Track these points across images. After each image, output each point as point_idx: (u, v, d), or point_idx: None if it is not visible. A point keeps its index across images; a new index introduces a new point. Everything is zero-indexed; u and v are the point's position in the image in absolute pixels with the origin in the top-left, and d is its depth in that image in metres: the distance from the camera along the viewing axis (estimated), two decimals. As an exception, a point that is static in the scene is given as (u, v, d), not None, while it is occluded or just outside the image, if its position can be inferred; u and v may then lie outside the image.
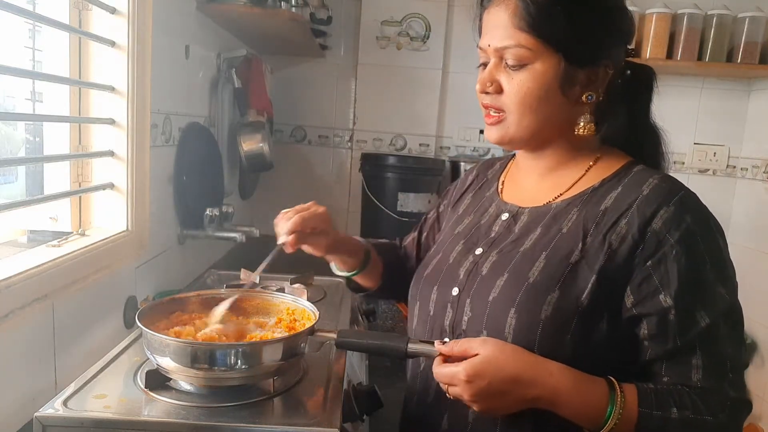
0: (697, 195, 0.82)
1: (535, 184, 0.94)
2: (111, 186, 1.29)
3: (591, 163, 0.89)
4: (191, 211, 1.69)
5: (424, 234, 1.15)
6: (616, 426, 0.75)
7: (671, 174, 0.86)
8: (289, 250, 0.97)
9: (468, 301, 0.87)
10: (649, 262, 0.78)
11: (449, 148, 2.77)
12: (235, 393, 0.93)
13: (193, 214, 1.70)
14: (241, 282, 1.53)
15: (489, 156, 2.74)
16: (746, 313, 0.82)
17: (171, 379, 0.94)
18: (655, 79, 0.91)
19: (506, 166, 1.05)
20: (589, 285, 0.79)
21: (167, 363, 0.90)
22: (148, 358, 0.96)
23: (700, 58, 2.45)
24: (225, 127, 2.01)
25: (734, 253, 0.82)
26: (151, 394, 0.93)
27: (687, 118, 2.67)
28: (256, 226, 1.89)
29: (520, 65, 0.83)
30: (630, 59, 0.91)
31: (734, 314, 0.80)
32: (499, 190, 1.00)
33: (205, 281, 1.72)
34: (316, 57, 2.67)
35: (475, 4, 0.90)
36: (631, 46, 0.91)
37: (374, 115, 2.71)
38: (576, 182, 0.89)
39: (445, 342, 0.82)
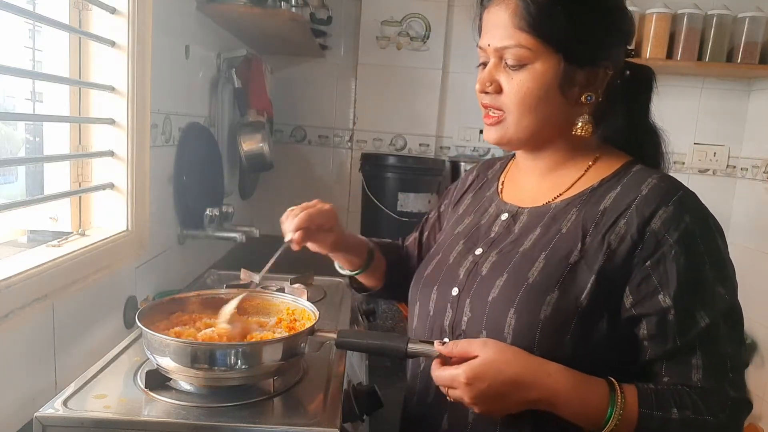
0: (697, 195, 0.82)
1: (534, 184, 0.94)
2: (111, 186, 1.29)
3: (590, 163, 0.89)
4: (191, 211, 1.69)
5: (425, 234, 1.15)
6: (617, 427, 0.75)
7: (671, 174, 0.86)
8: (295, 247, 0.96)
9: (468, 301, 0.87)
10: (648, 262, 0.78)
11: (449, 148, 2.77)
12: (235, 393, 0.93)
13: (193, 214, 1.70)
14: (242, 282, 1.53)
15: (489, 156, 2.74)
16: (746, 313, 0.82)
17: (171, 379, 0.94)
18: (654, 80, 0.91)
19: (506, 166, 1.05)
20: (588, 285, 0.79)
21: (167, 363, 0.90)
22: (148, 358, 0.96)
23: (700, 58, 2.45)
24: (225, 127, 2.01)
25: (734, 253, 0.82)
26: (151, 394, 0.93)
27: (687, 118, 2.67)
28: (256, 226, 1.89)
29: (519, 65, 0.83)
30: (629, 59, 0.91)
31: (734, 314, 0.80)
32: (499, 190, 1.00)
33: (205, 281, 1.72)
34: (316, 57, 2.67)
35: (475, 4, 0.90)
36: (631, 47, 0.90)
37: (374, 115, 2.71)
38: (575, 182, 0.89)
39: (445, 342, 0.82)
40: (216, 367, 0.89)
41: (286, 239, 0.96)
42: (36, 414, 0.85)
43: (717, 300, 0.78)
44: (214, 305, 1.07)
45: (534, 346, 0.79)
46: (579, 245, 0.82)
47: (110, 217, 1.30)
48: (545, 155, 0.91)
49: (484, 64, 0.88)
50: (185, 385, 0.94)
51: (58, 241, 1.15)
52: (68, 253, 1.08)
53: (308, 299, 1.14)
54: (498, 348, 0.78)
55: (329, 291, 1.62)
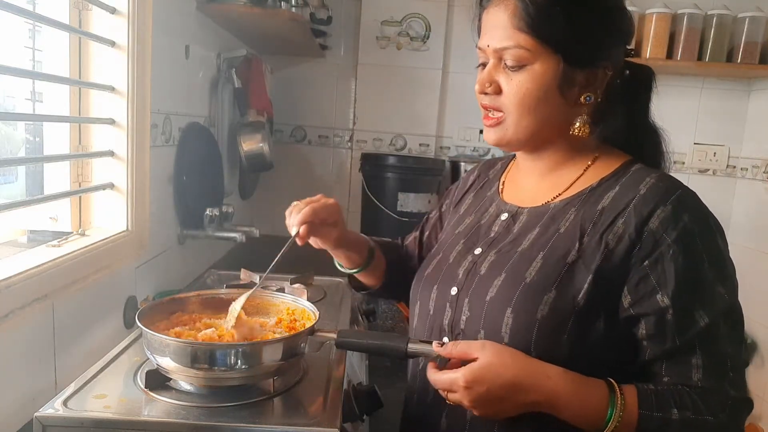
0: (697, 194, 0.82)
1: (535, 184, 0.94)
2: (111, 186, 1.29)
3: (589, 162, 0.89)
4: (191, 211, 1.69)
5: (426, 233, 1.15)
6: (617, 428, 0.75)
7: (671, 174, 0.86)
8: (300, 242, 0.96)
9: (466, 300, 0.87)
10: (646, 261, 0.78)
11: (449, 148, 2.77)
12: (235, 393, 0.93)
13: (193, 214, 1.70)
14: (242, 282, 1.53)
15: (489, 156, 2.74)
16: (746, 313, 0.82)
17: (171, 379, 0.94)
18: (654, 79, 0.91)
19: (507, 166, 1.05)
20: (586, 285, 0.79)
21: (167, 363, 0.90)
22: (148, 358, 0.96)
23: (700, 58, 2.45)
24: (225, 127, 2.01)
25: (734, 253, 0.81)
26: (151, 394, 0.93)
27: (687, 118, 2.67)
28: (256, 226, 1.89)
29: (519, 66, 0.83)
30: (629, 59, 0.91)
31: (734, 313, 0.80)
32: (500, 190, 1.00)
33: (205, 281, 1.72)
34: (316, 57, 2.68)
35: (474, 5, 0.90)
36: (631, 47, 0.90)
37: (374, 115, 2.71)
38: (574, 182, 0.89)
39: (444, 343, 0.82)
40: (216, 367, 0.89)
41: (292, 233, 0.95)
42: (36, 414, 0.85)
43: (716, 299, 0.78)
44: (214, 305, 1.07)
45: (531, 345, 0.79)
46: (577, 245, 0.82)
47: (110, 217, 1.30)
48: (545, 156, 0.91)
49: (484, 65, 0.88)
50: (185, 385, 0.94)
51: (58, 241, 1.15)
52: (68, 253, 1.08)
53: (308, 299, 1.14)
54: (497, 351, 0.78)
55: (329, 291, 1.62)
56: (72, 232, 1.24)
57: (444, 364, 0.81)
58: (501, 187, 1.01)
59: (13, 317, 0.91)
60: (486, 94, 0.87)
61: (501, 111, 0.86)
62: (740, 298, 0.81)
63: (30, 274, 0.95)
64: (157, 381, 0.94)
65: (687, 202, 0.80)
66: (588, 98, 0.85)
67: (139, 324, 0.91)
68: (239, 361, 0.90)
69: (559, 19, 0.81)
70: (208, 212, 1.70)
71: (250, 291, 1.02)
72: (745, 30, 2.41)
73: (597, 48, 0.84)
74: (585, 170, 0.89)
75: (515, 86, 0.84)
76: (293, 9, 1.92)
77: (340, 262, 1.11)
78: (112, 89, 1.26)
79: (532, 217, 0.90)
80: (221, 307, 1.05)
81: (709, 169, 2.70)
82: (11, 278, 0.91)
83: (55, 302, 1.06)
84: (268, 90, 2.32)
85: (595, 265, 0.79)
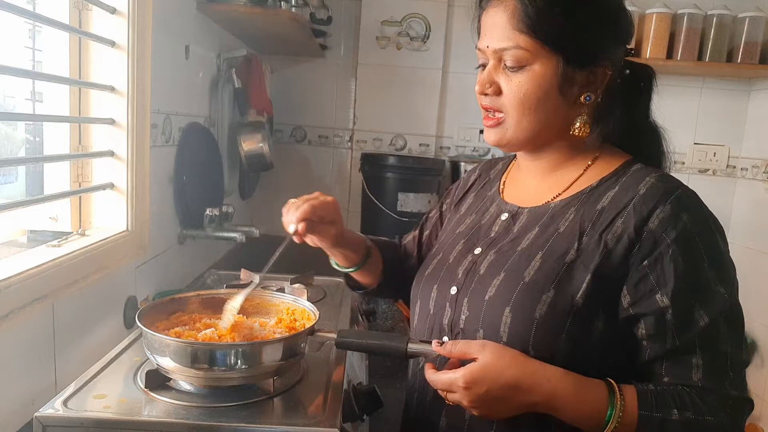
0: (697, 194, 0.82)
1: (535, 184, 0.94)
2: (111, 186, 1.29)
3: (589, 162, 0.89)
4: (191, 211, 1.69)
5: (426, 233, 1.15)
6: (616, 429, 0.75)
7: (671, 173, 0.86)
8: (298, 240, 0.94)
9: (465, 300, 0.87)
10: (646, 261, 0.78)
11: (449, 148, 2.77)
12: (235, 393, 0.93)
13: (193, 214, 1.70)
14: (242, 282, 1.53)
15: (489, 156, 2.74)
16: (746, 313, 0.82)
17: (171, 379, 0.94)
18: (654, 79, 0.91)
19: (508, 166, 1.05)
20: (584, 284, 0.79)
21: (167, 363, 0.90)
22: (148, 358, 0.96)
23: (700, 58, 2.45)
24: (225, 127, 2.01)
25: (734, 253, 0.81)
26: (151, 394, 0.93)
27: (687, 118, 2.67)
28: (256, 226, 1.89)
29: (518, 67, 0.83)
30: (630, 58, 0.90)
31: (734, 313, 0.79)
32: (501, 189, 1.00)
33: (205, 281, 1.72)
34: (316, 57, 2.67)
35: (474, 5, 0.90)
36: (631, 46, 0.90)
37: (374, 115, 2.70)
38: (574, 182, 0.89)
39: (443, 343, 0.82)
40: (216, 367, 0.89)
41: (290, 231, 0.93)
42: (36, 414, 0.85)
43: (716, 299, 0.78)
44: (214, 305, 1.07)
45: (529, 344, 0.79)
46: (575, 245, 0.82)
47: (110, 217, 1.30)
48: (545, 156, 0.92)
49: (484, 66, 0.88)
50: (185, 385, 0.94)
51: (58, 241, 1.15)
52: (68, 253, 1.08)
53: (308, 299, 1.14)
54: (497, 351, 0.78)
55: (329, 291, 1.63)
56: (72, 232, 1.24)
57: (443, 363, 0.81)
58: (502, 187, 1.01)
59: (13, 317, 0.91)
60: (486, 95, 0.87)
61: (501, 112, 0.86)
62: (740, 298, 0.81)
63: (30, 274, 0.95)
64: (157, 381, 0.94)
65: (687, 202, 0.79)
66: (588, 98, 0.85)
67: (139, 324, 0.91)
68: (239, 361, 0.90)
69: (559, 19, 0.81)
70: (208, 212, 1.70)
71: (246, 291, 1.02)
72: (745, 30, 2.41)
73: (597, 48, 0.84)
74: (585, 170, 0.89)
75: (515, 87, 0.84)
76: (293, 9, 1.92)
77: (337, 260, 1.09)
78: (112, 89, 1.26)
79: (532, 217, 0.90)
80: (221, 307, 1.05)
81: (709, 169, 2.70)
82: (11, 278, 0.91)
83: (55, 302, 1.06)
84: (268, 90, 2.32)
85: (593, 264, 0.79)
